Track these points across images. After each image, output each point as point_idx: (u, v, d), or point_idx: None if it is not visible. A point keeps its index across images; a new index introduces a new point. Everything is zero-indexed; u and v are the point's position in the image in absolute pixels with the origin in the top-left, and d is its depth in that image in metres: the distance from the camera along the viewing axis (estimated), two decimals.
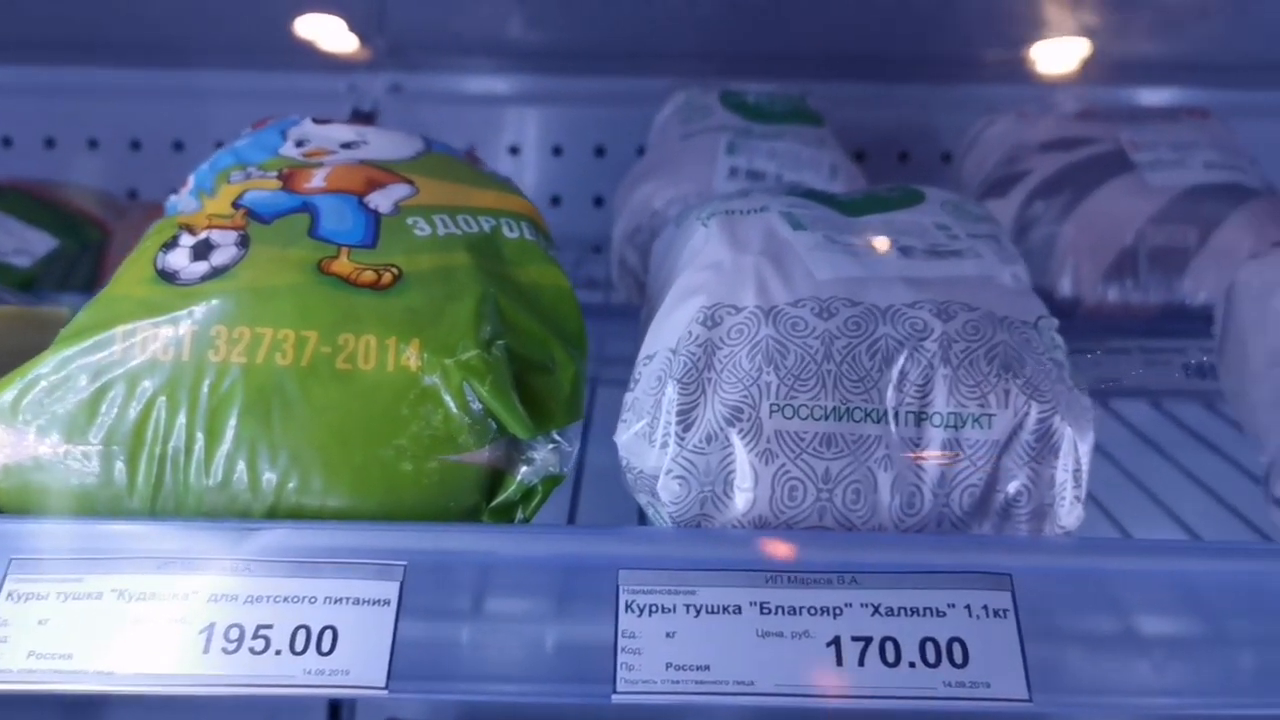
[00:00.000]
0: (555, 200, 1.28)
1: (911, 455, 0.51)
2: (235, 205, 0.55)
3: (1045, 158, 0.98)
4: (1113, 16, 1.16)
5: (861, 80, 1.29)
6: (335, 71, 1.27)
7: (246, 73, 1.29)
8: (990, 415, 0.51)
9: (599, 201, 1.28)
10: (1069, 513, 0.51)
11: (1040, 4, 1.17)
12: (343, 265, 0.53)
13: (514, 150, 1.29)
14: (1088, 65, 1.23)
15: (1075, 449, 0.51)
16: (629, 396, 0.54)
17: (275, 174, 0.58)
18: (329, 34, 1.20)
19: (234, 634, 0.46)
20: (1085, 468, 0.51)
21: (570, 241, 1.26)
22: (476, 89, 1.32)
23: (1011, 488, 0.51)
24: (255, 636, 0.47)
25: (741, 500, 0.51)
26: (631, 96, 1.23)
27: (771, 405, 0.51)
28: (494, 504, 0.53)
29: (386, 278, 0.53)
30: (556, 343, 0.55)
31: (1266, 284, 0.64)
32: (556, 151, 1.30)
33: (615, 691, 0.46)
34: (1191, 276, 0.90)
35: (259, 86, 1.31)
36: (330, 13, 1.18)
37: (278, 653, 0.46)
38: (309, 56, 1.23)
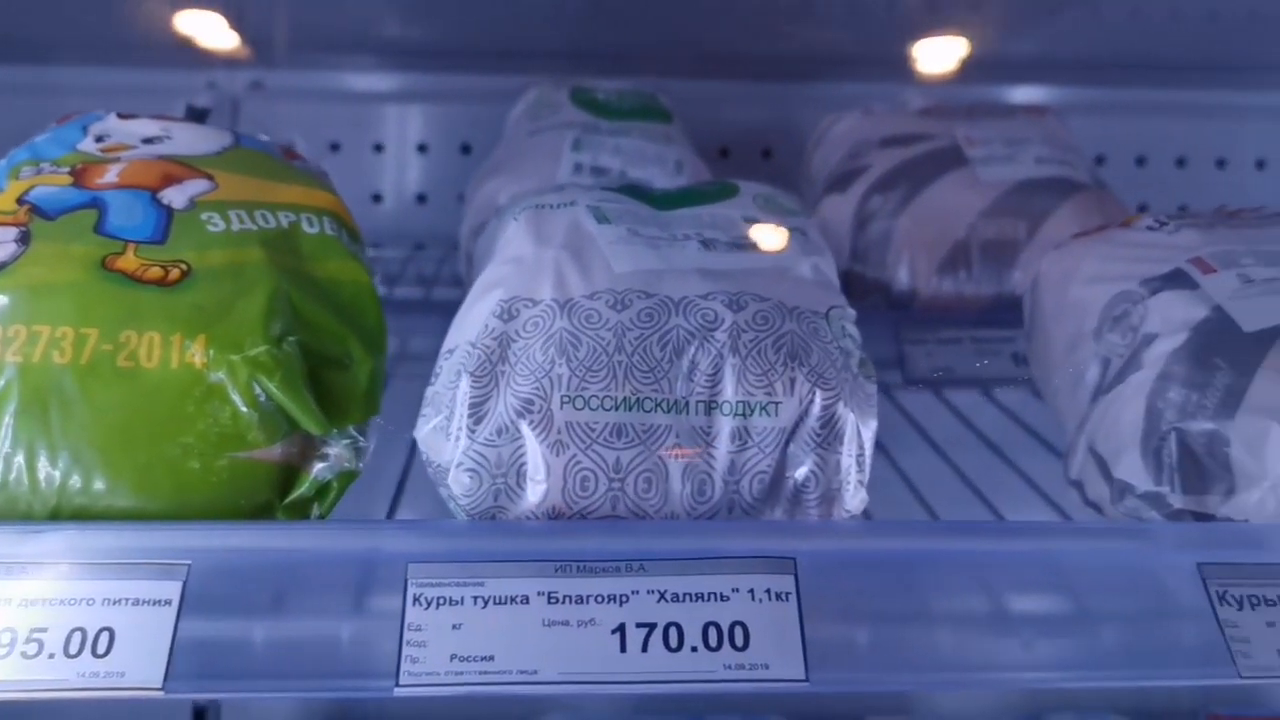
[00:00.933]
0: (421, 198, 1.27)
1: (691, 450, 0.51)
2: (19, 201, 0.54)
3: (884, 153, 1.01)
4: (974, 15, 1.19)
5: (726, 78, 1.30)
6: (195, 67, 1.24)
7: (104, 69, 1.26)
8: (777, 403, 0.52)
9: (464, 199, 1.27)
10: (854, 496, 0.53)
11: (903, 2, 1.19)
12: (128, 261, 0.52)
13: (378, 148, 1.28)
14: (950, 63, 1.25)
15: (859, 435, 0.52)
16: (429, 391, 0.54)
17: (67, 169, 0.57)
18: (189, 29, 1.17)
19: (5, 638, 0.45)
20: (869, 453, 0.53)
21: (436, 239, 1.26)
22: (341, 86, 1.31)
23: (800, 474, 0.52)
24: (28, 641, 0.46)
25: (534, 492, 0.51)
26: (498, 94, 1.22)
27: (563, 397, 0.51)
28: (287, 501, 0.52)
29: (174, 274, 0.52)
30: (354, 338, 0.54)
31: (1065, 274, 0.67)
32: (422, 149, 1.29)
33: (398, 685, 0.46)
34: (1021, 268, 0.92)
35: (117, 82, 1.28)
36: (190, 7, 1.16)
37: (50, 656, 0.46)
38: (168, 52, 1.21)
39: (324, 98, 1.30)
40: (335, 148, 1.27)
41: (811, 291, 0.57)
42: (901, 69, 1.26)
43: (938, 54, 1.24)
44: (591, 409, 0.51)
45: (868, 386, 0.53)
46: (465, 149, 1.29)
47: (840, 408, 0.52)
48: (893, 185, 0.97)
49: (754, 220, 0.63)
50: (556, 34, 1.22)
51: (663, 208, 0.64)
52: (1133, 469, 0.58)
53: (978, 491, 0.70)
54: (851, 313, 0.57)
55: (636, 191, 0.66)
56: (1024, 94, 1.21)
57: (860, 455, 0.52)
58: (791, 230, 0.62)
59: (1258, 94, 1.24)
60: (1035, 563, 0.52)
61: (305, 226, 0.57)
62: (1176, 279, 0.60)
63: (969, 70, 1.25)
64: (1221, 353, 0.56)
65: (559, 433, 0.51)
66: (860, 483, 0.52)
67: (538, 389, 0.51)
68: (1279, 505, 0.53)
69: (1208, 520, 0.56)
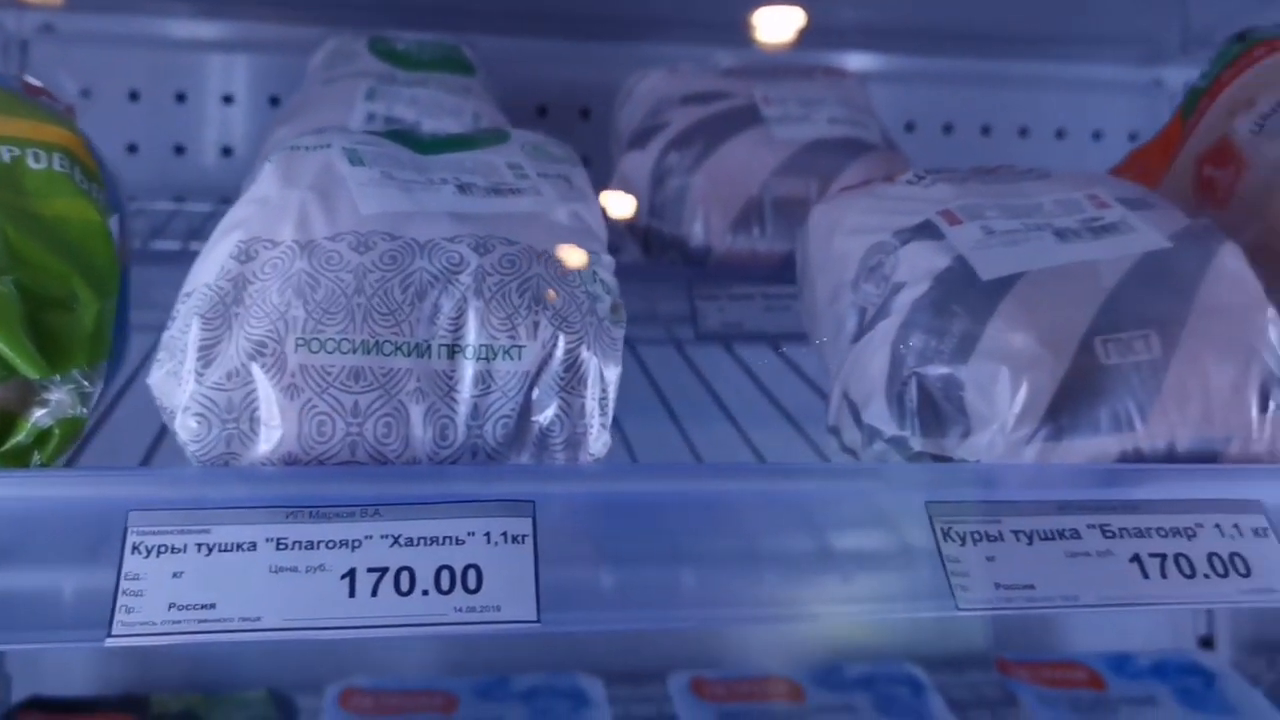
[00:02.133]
0: (227, 151, 1.23)
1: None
2: None
3: (684, 111, 1.01)
4: None
5: (548, 36, 1.28)
6: None
7: None
8: (520, 347, 0.51)
9: None
10: (597, 439, 0.53)
11: None
12: None
13: (181, 97, 1.22)
14: (771, 28, 1.26)
15: (602, 378, 0.52)
16: (165, 335, 0.52)
17: None
18: None
19: None
20: (612, 397, 0.53)
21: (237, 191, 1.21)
22: (140, 32, 1.24)
23: (544, 418, 0.52)
24: None
25: (267, 437, 0.50)
26: (310, 45, 1.18)
27: (298, 340, 0.50)
28: (4, 448, 0.50)
29: None
30: (79, 279, 0.52)
31: (829, 226, 0.68)
32: (228, 100, 1.25)
33: (110, 635, 0.44)
34: None
35: None
36: None
37: None
38: None
39: (121, 44, 1.24)
40: (134, 97, 1.21)
41: (566, 237, 0.56)
42: (724, 32, 1.27)
43: (760, 19, 1.25)
44: (328, 352, 0.50)
45: (614, 331, 0.53)
46: (274, 101, 1.25)
47: (584, 351, 0.52)
48: (689, 142, 0.97)
49: (518, 166, 0.62)
50: None
51: (426, 152, 0.62)
52: (879, 414, 0.59)
53: (746, 437, 0.71)
54: (608, 259, 0.57)
55: (403, 136, 0.64)
56: (842, 60, 1.23)
57: (603, 399, 0.52)
58: (555, 177, 0.62)
59: (1059, 65, 1.29)
60: (775, 503, 0.53)
61: (31, 162, 0.54)
62: (925, 230, 0.62)
63: (787, 35, 1.27)
64: (960, 300, 0.58)
65: (293, 376, 0.50)
66: (603, 426, 0.53)
67: (271, 331, 0.50)
68: (1007, 446, 0.55)
69: (945, 462, 0.58)
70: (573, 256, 0.55)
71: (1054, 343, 0.56)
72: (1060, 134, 1.39)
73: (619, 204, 0.99)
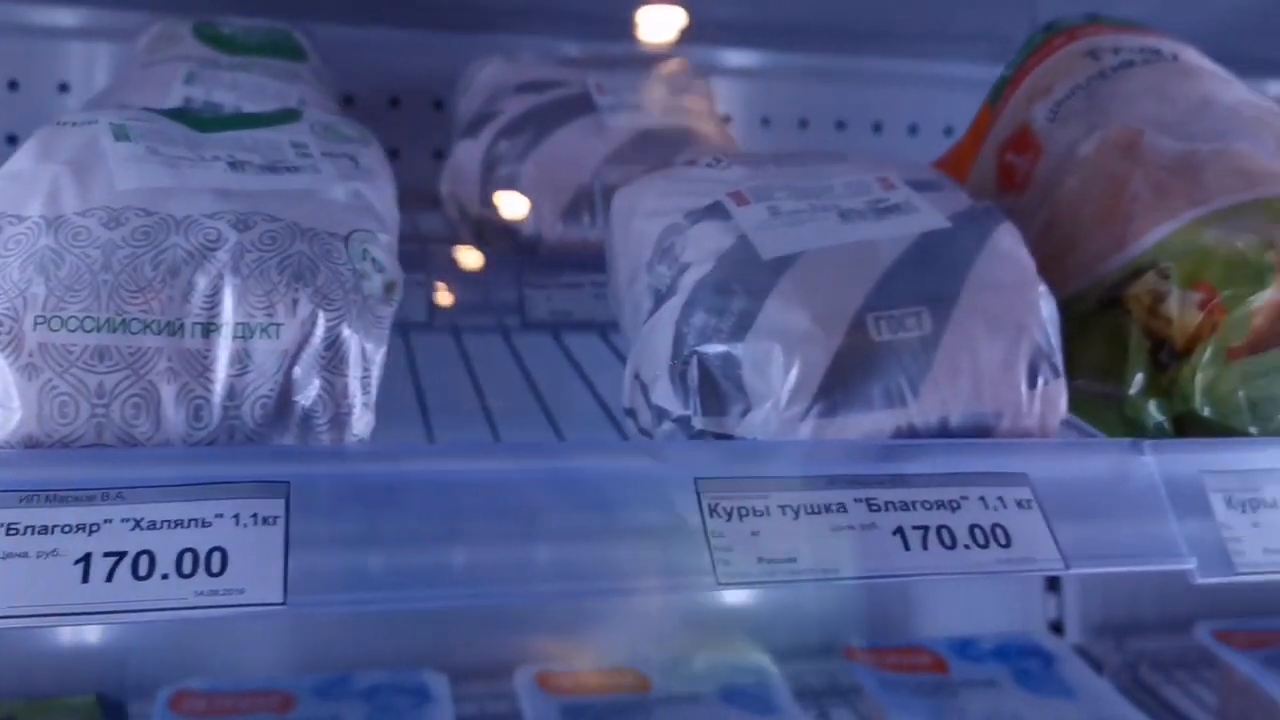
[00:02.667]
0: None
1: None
2: None
3: (517, 99, 1.00)
4: None
5: (401, 26, 1.26)
6: None
7: None
8: (278, 325, 0.50)
9: None
10: (359, 419, 0.52)
11: None
12: None
13: (64, 88, 1.18)
14: (651, 23, 1.26)
15: (364, 357, 0.51)
16: None
17: None
18: None
19: None
20: (376, 376, 0.52)
21: None
22: (16, 20, 1.19)
23: (306, 398, 0.51)
24: None
25: (5, 419, 0.48)
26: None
27: (37, 318, 0.48)
28: None
29: None
30: None
31: (629, 209, 0.68)
32: (63, 88, 1.20)
33: None
34: None
35: None
36: None
37: None
38: None
39: None
40: (14, 86, 1.16)
41: (338, 215, 0.55)
42: (585, 24, 1.26)
43: (620, 11, 1.25)
44: (69, 330, 0.48)
45: (380, 309, 0.52)
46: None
47: (345, 330, 0.51)
48: (520, 130, 0.97)
49: (302, 145, 0.61)
50: None
51: (205, 130, 0.61)
52: (665, 394, 0.59)
53: (551, 419, 0.70)
54: (385, 238, 0.56)
55: (185, 115, 0.63)
56: (699, 55, 1.22)
57: (365, 378, 0.51)
58: (340, 156, 0.61)
59: (913, 62, 1.31)
60: (554, 482, 0.53)
61: None
62: (714, 211, 0.62)
63: (667, 30, 1.27)
64: (740, 279, 0.58)
65: (30, 355, 0.48)
66: (366, 405, 0.52)
67: (9, 309, 0.48)
68: (782, 423, 0.56)
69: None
70: (340, 233, 0.54)
71: (827, 320, 0.56)
72: (913, 129, 1.41)
73: (451, 192, 0.98)
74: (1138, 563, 0.55)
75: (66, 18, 1.21)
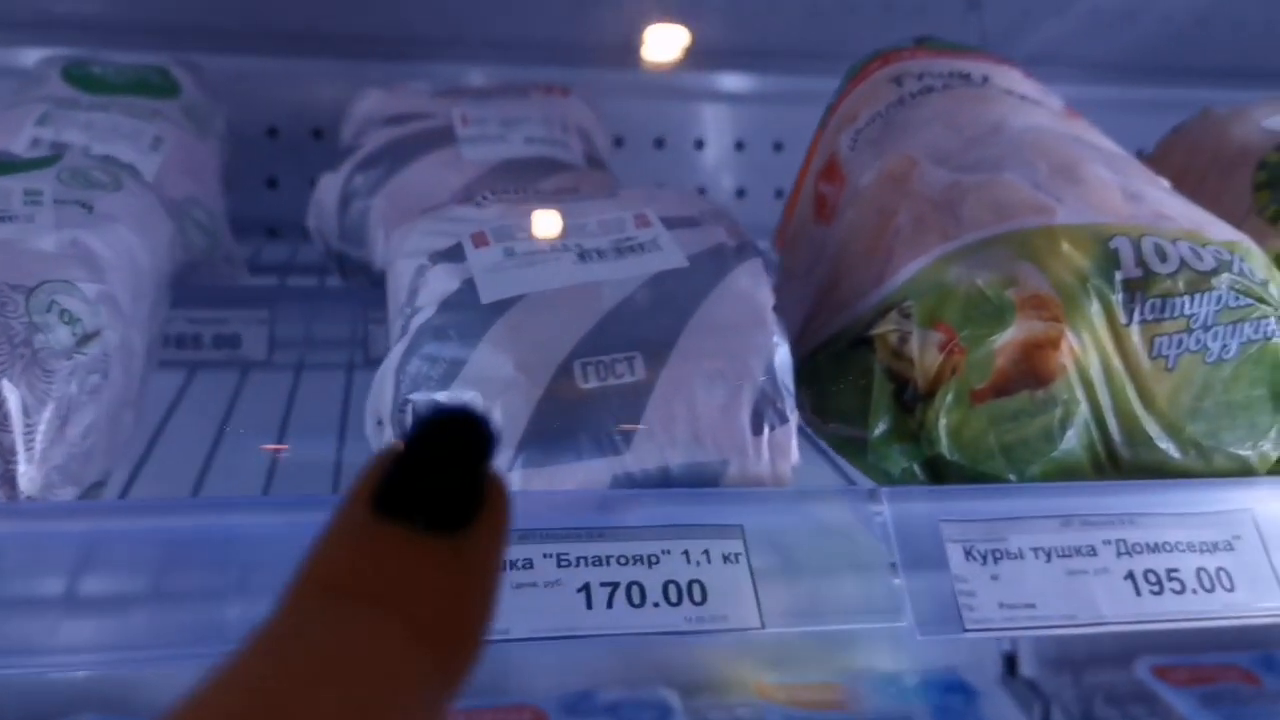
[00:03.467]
0: None
1: None
2: None
3: (380, 132, 1.00)
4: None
5: (280, 55, 1.27)
6: None
7: None
8: None
9: None
10: (25, 476, 0.51)
11: None
12: None
13: None
14: (525, 45, 1.25)
15: (27, 412, 0.51)
16: None
17: None
18: None
19: None
20: (42, 432, 0.51)
21: None
22: None
23: None
24: None
25: None
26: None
27: None
28: None
29: None
30: None
31: (398, 248, 0.67)
32: None
33: None
34: None
35: None
36: None
37: None
38: None
39: None
40: None
41: (32, 265, 0.55)
42: (468, 49, 1.26)
43: (502, 34, 1.24)
44: None
45: (53, 362, 0.51)
46: None
47: (6, 385, 0.50)
48: (375, 164, 0.96)
49: (35, 192, 0.60)
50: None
51: None
52: (389, 439, 0.58)
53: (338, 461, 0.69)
54: (90, 289, 0.55)
55: None
56: (562, 76, 1.21)
57: (29, 434, 0.50)
58: (73, 204, 0.60)
59: (777, 79, 1.28)
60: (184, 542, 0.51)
61: None
62: (452, 252, 0.61)
63: (535, 51, 1.26)
64: (457, 325, 0.56)
65: None
66: (30, 461, 0.51)
67: None
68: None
69: None
70: (26, 284, 0.53)
71: (531, 367, 0.54)
72: (778, 146, 1.38)
73: (315, 226, 0.98)
74: (849, 620, 0.53)
75: None
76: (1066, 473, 0.59)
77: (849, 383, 0.59)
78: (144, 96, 1.00)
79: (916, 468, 0.59)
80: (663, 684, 1.21)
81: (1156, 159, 0.85)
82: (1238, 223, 0.70)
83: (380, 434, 0.61)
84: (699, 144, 1.29)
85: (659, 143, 1.28)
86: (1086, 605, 0.55)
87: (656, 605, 0.51)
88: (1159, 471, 0.60)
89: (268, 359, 0.89)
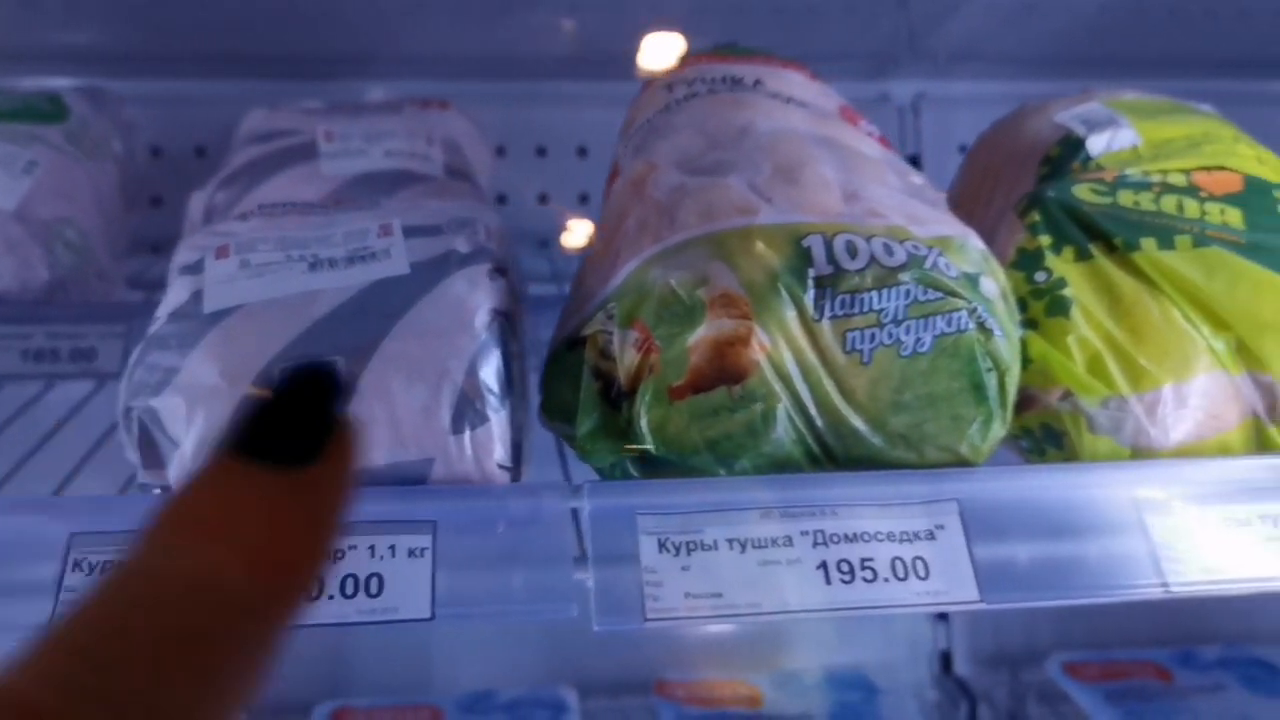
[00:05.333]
0: None
1: None
2: None
3: (247, 149, 1.03)
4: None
5: (211, 78, 1.31)
6: None
7: None
8: None
9: None
10: None
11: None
12: None
13: None
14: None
15: None
16: None
17: None
18: None
19: None
20: None
21: None
22: None
23: None
24: None
25: None
26: None
27: None
28: None
29: None
30: None
31: (172, 262, 0.70)
32: None
33: None
34: None
35: None
36: None
37: None
38: None
39: None
40: None
41: None
42: (368, 66, 1.29)
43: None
44: None
45: None
46: None
47: None
48: (235, 181, 0.99)
49: None
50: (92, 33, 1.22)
51: None
52: (129, 448, 0.61)
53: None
54: None
55: None
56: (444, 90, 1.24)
57: None
58: None
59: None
60: None
61: None
62: (196, 265, 0.64)
63: (425, 67, 1.29)
64: (178, 334, 0.59)
65: None
66: None
67: None
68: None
69: None
70: None
71: (235, 374, 0.57)
72: None
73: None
74: (520, 612, 0.55)
75: None
76: (780, 466, 0.60)
77: (567, 382, 0.61)
78: (26, 123, 1.05)
79: (630, 464, 0.60)
80: (564, 683, 1.23)
81: (971, 155, 0.86)
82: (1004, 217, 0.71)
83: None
84: (582, 151, 1.31)
85: (541, 151, 1.30)
86: (773, 594, 0.56)
87: (331, 598, 0.53)
88: (873, 464, 0.61)
89: (119, 371, 0.93)
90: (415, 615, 0.53)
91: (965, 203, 0.81)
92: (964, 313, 0.58)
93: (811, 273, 0.58)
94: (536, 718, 1.16)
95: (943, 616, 1.48)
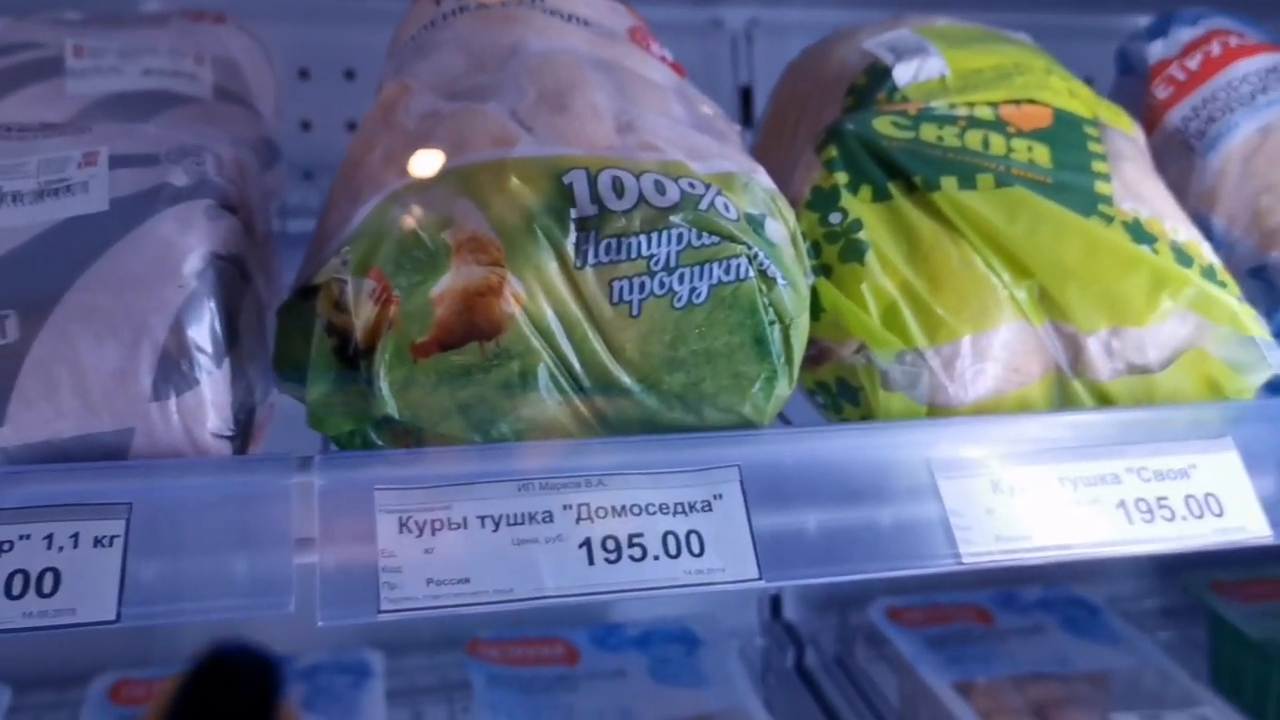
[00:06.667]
0: None
1: None
2: None
3: None
4: None
5: None
6: None
7: None
8: None
9: None
10: None
11: None
12: None
13: None
14: None
15: None
16: None
17: None
18: None
19: None
20: None
21: None
22: None
23: None
24: None
25: None
26: None
27: None
28: None
29: None
30: None
31: None
32: None
33: None
34: None
35: None
36: None
37: None
38: None
39: None
40: None
41: None
42: None
43: None
44: None
45: None
46: None
47: None
48: None
49: None
50: None
51: None
52: None
53: None
54: None
55: None
56: None
57: None
58: None
59: None
60: None
61: None
62: None
63: None
64: None
65: None
66: None
67: None
68: None
69: None
70: None
71: None
72: None
73: None
74: (228, 607, 0.47)
75: None
76: (546, 432, 0.54)
77: (300, 337, 0.53)
78: None
79: (373, 432, 0.53)
80: (367, 645, 1.16)
81: (780, 83, 0.80)
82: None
83: None
84: None
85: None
86: (528, 578, 0.50)
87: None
88: (648, 427, 0.55)
89: None
90: (95, 618, 0.45)
91: (771, 135, 0.75)
92: (743, 259, 0.52)
93: (573, 213, 0.51)
94: (337, 685, 1.09)
95: None
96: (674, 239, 0.51)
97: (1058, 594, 1.30)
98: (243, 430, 0.53)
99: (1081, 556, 0.54)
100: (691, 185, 0.52)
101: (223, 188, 0.56)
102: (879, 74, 0.69)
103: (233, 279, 0.54)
